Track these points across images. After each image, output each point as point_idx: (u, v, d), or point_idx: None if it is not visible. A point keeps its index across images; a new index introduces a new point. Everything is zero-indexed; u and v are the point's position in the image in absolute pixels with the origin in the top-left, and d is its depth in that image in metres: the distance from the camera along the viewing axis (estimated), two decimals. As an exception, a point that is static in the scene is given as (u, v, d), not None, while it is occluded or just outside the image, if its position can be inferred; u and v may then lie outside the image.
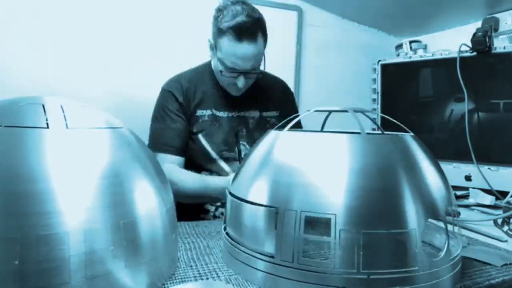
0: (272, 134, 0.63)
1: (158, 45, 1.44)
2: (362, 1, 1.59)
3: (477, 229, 0.86)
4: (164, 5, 1.44)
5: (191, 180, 1.05)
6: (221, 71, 1.06)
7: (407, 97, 1.50)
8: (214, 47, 1.07)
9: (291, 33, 1.65)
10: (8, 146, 0.43)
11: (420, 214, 0.51)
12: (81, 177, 0.44)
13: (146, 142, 0.72)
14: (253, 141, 1.14)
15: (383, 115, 0.70)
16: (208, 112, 1.14)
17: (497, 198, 1.13)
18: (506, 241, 0.79)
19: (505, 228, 0.85)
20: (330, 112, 0.70)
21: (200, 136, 1.11)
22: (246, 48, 1.00)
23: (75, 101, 0.54)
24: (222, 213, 1.11)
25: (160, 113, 1.13)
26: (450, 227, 0.62)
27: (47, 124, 0.46)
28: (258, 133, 1.15)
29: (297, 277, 0.52)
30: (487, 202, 1.10)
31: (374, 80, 1.59)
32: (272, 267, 0.54)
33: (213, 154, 1.11)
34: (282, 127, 0.63)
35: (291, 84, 1.66)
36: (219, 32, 1.02)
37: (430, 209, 0.53)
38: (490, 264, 0.64)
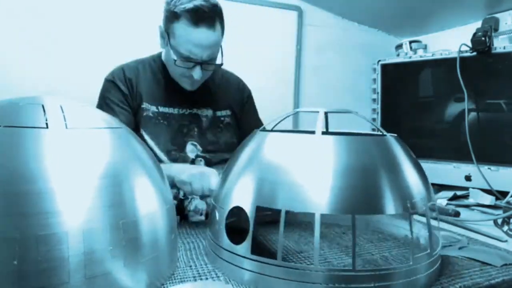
0: (258, 134, 0.64)
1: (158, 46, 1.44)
2: (362, 1, 1.59)
3: (477, 229, 0.85)
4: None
5: None
6: (175, 61, 0.95)
7: (407, 97, 1.50)
8: (165, 35, 0.97)
9: (291, 33, 1.65)
10: (8, 146, 0.43)
11: (399, 212, 0.54)
12: (80, 177, 0.44)
13: (146, 142, 0.74)
14: (205, 141, 1.05)
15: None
16: (153, 108, 1.03)
17: (497, 198, 1.13)
18: (506, 241, 0.79)
19: (505, 228, 0.85)
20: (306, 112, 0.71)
21: (144, 135, 1.01)
22: (203, 34, 0.91)
23: (75, 101, 0.54)
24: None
25: (102, 105, 1.03)
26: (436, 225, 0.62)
27: (47, 124, 0.46)
28: (211, 132, 1.07)
29: (280, 274, 0.53)
30: (487, 202, 1.10)
31: (374, 80, 1.59)
32: (256, 265, 0.55)
33: (161, 155, 1.00)
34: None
35: (291, 84, 1.66)
36: (173, 16, 0.92)
37: (409, 207, 0.54)
38: (490, 264, 0.64)
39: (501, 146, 1.24)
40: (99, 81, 1.37)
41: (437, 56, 1.38)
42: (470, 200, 1.15)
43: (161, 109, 1.03)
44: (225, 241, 0.58)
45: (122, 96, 1.01)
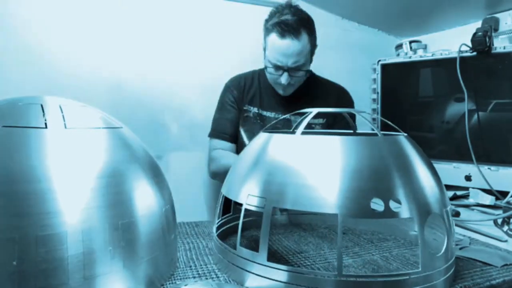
0: (264, 135, 0.62)
1: (159, 44, 1.44)
2: (362, 1, 1.58)
3: (477, 229, 0.85)
4: (165, 4, 1.44)
5: None
6: (266, 68, 1.13)
7: (407, 97, 1.50)
8: (264, 48, 1.15)
9: (291, 33, 1.64)
10: (7, 146, 0.43)
11: (414, 215, 0.51)
12: (79, 177, 0.44)
13: (146, 141, 0.72)
14: None
15: (381, 118, 0.70)
16: (255, 109, 1.23)
17: (497, 198, 1.13)
18: (506, 241, 0.79)
19: (505, 228, 0.85)
20: (317, 113, 0.71)
21: (242, 131, 1.23)
22: (288, 44, 1.06)
23: (74, 101, 0.54)
24: None
25: (219, 105, 1.28)
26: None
27: (46, 124, 0.46)
28: None
29: (286, 279, 0.52)
30: (487, 202, 1.10)
31: (374, 80, 1.58)
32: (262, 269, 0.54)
33: None
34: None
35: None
36: (267, 30, 1.11)
37: (424, 210, 0.52)
38: (490, 265, 0.64)
39: (501, 146, 1.24)
40: (99, 81, 1.37)
41: (437, 56, 1.37)
42: (470, 200, 1.15)
43: (261, 111, 1.24)
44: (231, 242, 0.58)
45: (233, 98, 1.25)
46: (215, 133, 1.25)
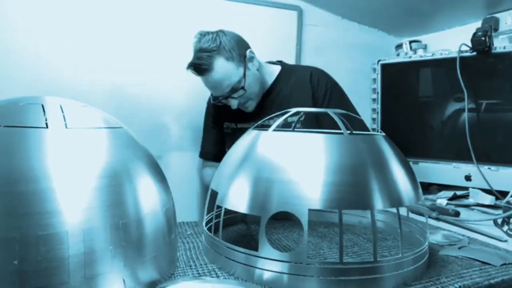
0: (253, 133, 0.66)
1: (159, 46, 1.44)
2: (362, 1, 1.59)
3: (477, 229, 0.86)
4: (165, 6, 1.44)
5: None
6: (209, 99, 1.15)
7: (407, 97, 1.50)
8: None
9: (291, 33, 1.65)
10: (8, 146, 0.43)
11: (386, 206, 0.56)
12: (80, 177, 0.44)
13: (146, 142, 0.71)
14: None
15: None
16: (232, 125, 1.21)
17: (497, 198, 1.13)
18: (506, 241, 0.79)
19: (505, 228, 0.85)
20: (305, 112, 0.74)
21: (226, 149, 1.11)
22: (207, 80, 1.06)
23: (75, 101, 0.55)
24: None
25: (203, 125, 1.32)
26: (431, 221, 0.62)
27: (47, 124, 0.46)
28: None
29: (275, 268, 0.55)
30: (487, 202, 1.10)
31: (374, 80, 1.59)
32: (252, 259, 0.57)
33: None
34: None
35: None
36: None
37: (396, 202, 0.57)
38: (489, 264, 0.64)
39: (501, 146, 1.24)
40: (99, 81, 1.37)
41: (437, 56, 1.38)
42: (470, 200, 1.15)
43: (239, 125, 1.19)
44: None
45: (212, 117, 1.26)
46: (201, 153, 1.32)
